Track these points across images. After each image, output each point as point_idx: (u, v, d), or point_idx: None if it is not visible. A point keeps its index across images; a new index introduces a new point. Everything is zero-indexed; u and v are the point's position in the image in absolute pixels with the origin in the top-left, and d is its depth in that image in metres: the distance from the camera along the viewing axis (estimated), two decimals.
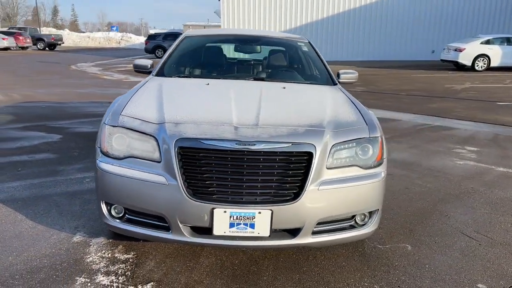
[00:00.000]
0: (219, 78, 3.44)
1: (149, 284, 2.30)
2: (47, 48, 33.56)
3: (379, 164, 2.45)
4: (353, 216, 2.43)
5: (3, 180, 3.77)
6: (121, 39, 47.69)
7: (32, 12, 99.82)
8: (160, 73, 3.50)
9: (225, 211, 2.14)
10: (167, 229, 2.25)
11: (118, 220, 2.38)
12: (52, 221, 3.00)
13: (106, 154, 2.36)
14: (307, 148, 2.22)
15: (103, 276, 2.35)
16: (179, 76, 3.45)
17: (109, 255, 2.58)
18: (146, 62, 3.70)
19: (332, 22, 23.87)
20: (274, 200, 2.17)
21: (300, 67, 3.91)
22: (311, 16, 23.71)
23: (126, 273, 2.39)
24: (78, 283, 2.28)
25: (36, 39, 33.37)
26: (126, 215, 2.37)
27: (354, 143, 2.38)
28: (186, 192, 2.15)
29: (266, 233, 2.19)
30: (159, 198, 2.19)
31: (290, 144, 2.20)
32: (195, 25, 63.60)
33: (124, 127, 2.34)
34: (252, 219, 2.16)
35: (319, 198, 2.21)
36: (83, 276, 2.35)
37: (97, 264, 2.47)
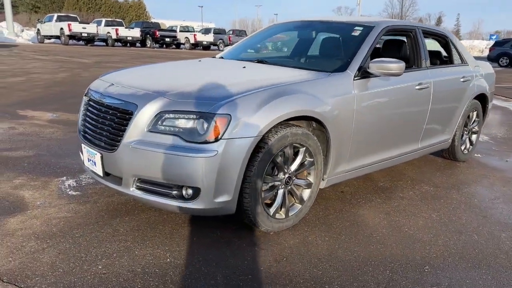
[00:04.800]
0: (236, 60, 3.69)
1: (77, 192, 3.21)
2: None
3: (211, 142, 2.30)
4: (180, 187, 2.42)
5: None
6: (485, 48, 44.16)
7: None
8: (220, 55, 4.11)
9: (84, 147, 2.76)
10: None
11: None
12: None
13: None
14: (129, 107, 2.47)
15: (71, 180, 3.44)
16: (221, 57, 3.94)
17: None
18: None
19: None
20: (105, 147, 2.58)
21: (323, 53, 3.43)
22: None
23: (82, 184, 3.38)
24: (58, 178, 3.48)
25: None
26: None
27: (194, 115, 2.36)
28: (78, 129, 2.91)
29: (101, 173, 2.64)
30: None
31: (123, 102, 2.53)
32: None
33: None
34: (94, 158, 2.66)
35: (131, 155, 2.43)
36: (66, 176, 3.52)
37: (83, 175, 3.57)
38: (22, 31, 30.62)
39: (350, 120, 2.97)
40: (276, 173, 2.65)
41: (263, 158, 2.45)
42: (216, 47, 33.52)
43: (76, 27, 25.81)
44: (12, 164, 3.76)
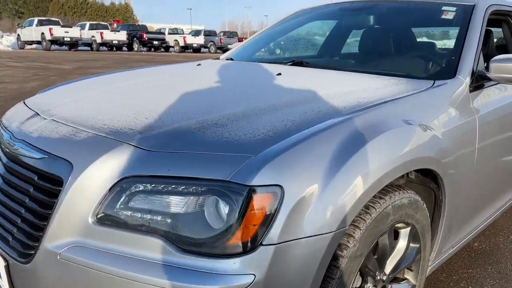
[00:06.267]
0: (255, 62, 2.36)
1: None
2: None
3: (238, 252, 0.99)
4: None
5: None
6: None
7: None
8: (228, 55, 2.77)
9: None
10: None
11: None
12: None
13: None
14: (56, 168, 1.15)
15: None
16: (229, 59, 2.60)
17: None
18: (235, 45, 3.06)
19: None
20: (14, 250, 1.25)
21: (398, 49, 2.14)
22: None
23: None
24: None
25: None
26: None
27: (199, 188, 1.05)
28: None
29: None
30: None
31: (45, 157, 1.21)
32: None
33: None
34: None
35: (58, 273, 1.12)
36: None
37: None
38: (2, 37, 28.94)
39: (471, 163, 1.68)
40: (361, 283, 1.34)
41: (346, 268, 1.15)
42: (206, 50, 32.12)
43: (58, 32, 24.29)
44: None
